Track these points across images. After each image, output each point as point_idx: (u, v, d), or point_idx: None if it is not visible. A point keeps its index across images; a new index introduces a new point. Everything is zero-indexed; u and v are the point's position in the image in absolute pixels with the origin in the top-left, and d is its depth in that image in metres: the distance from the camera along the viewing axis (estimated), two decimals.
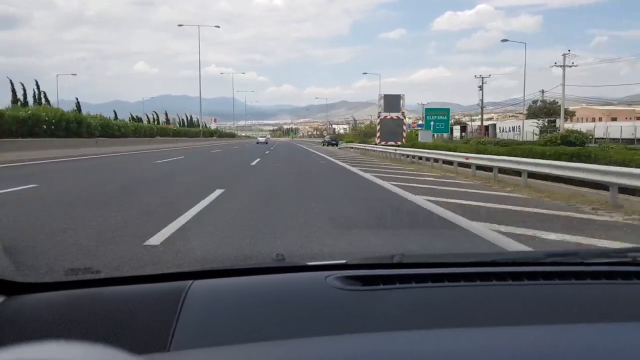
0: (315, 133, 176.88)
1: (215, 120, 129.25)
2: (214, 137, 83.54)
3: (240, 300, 1.05)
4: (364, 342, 0.86)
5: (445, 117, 40.81)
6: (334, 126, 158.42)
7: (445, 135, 44.76)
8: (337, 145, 58.38)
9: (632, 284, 1.18)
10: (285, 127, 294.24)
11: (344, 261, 1.30)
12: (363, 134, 66.92)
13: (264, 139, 79.27)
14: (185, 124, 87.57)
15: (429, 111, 41.92)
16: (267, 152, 32.05)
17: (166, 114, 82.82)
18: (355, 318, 0.99)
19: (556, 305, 1.07)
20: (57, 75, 62.51)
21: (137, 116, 70.73)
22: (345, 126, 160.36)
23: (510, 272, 1.18)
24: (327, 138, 70.51)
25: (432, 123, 39.43)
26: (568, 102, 56.19)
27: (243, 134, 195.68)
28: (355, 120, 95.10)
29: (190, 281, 1.09)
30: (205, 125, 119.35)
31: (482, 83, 57.92)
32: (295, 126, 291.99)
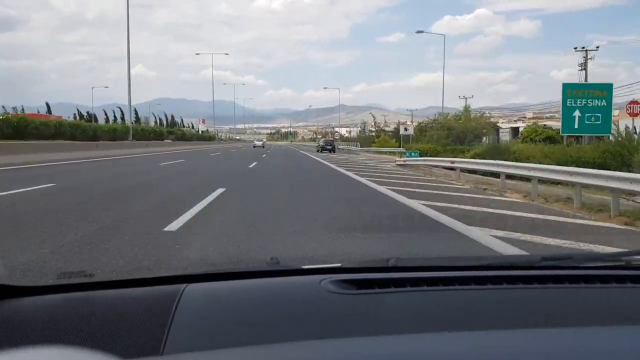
0: (316, 137, 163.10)
1: (203, 122, 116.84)
2: (169, 141, 53.55)
3: (234, 303, 1.05)
4: (359, 345, 0.85)
5: (606, 102, 20.00)
6: (337, 129, 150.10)
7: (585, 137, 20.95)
8: (333, 151, 47.53)
9: (626, 287, 1.18)
10: (283, 130, 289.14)
11: (339, 264, 1.30)
12: (456, 133, 40.71)
13: (261, 142, 78.54)
14: (165, 124, 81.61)
15: (571, 88, 20.41)
16: (216, 197, 8.92)
17: (136, 112, 75.00)
18: (350, 322, 0.99)
19: (550, 309, 1.08)
20: None
21: (88, 112, 64.90)
22: (350, 128, 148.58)
23: (504, 276, 1.18)
24: (321, 142, 55.41)
25: (576, 114, 19.85)
26: None
27: (238, 137, 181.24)
28: (374, 118, 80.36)
29: (184, 284, 1.09)
30: (193, 126, 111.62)
31: (586, 59, 35.99)
32: (294, 130, 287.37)
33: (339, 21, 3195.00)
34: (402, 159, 25.47)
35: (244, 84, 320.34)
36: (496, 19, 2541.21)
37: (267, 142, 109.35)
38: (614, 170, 10.86)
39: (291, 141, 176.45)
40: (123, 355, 0.78)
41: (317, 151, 47.04)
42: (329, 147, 49.06)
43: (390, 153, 37.69)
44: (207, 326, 0.96)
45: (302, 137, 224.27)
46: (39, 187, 9.98)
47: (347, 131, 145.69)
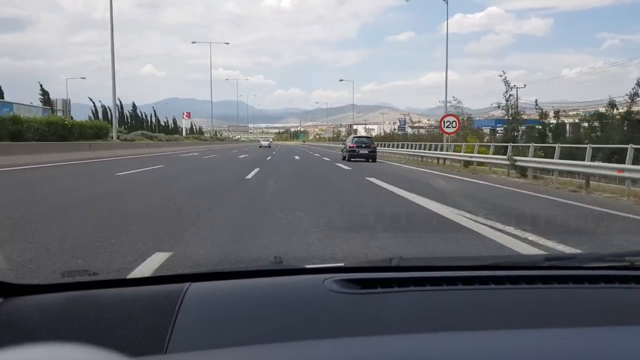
0: (333, 136, 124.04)
1: (188, 115, 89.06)
2: None
3: (237, 302, 1.05)
4: (361, 345, 0.85)
5: None
6: (354, 127, 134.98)
7: None
8: (374, 158, 26.09)
9: (630, 288, 1.18)
10: (292, 129, 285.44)
11: (342, 264, 1.31)
12: None
13: (267, 142, 75.34)
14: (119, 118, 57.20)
15: None
16: None
17: (43, 92, 47.39)
18: (353, 321, 0.99)
19: (554, 309, 1.08)
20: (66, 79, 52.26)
21: None
22: (372, 126, 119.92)
23: (508, 276, 1.19)
24: (350, 141, 28.79)
25: None
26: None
27: (237, 137, 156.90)
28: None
29: (188, 283, 1.10)
30: (175, 122, 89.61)
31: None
32: (304, 129, 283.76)
33: (348, 21, 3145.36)
34: None
35: (247, 79, 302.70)
36: (507, 17, 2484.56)
37: (274, 143, 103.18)
38: None
39: (303, 141, 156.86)
40: (126, 354, 0.78)
41: (343, 158, 27.09)
42: (364, 152, 26.19)
43: None
44: (211, 325, 0.96)
45: (315, 136, 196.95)
46: None
47: (370, 129, 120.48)
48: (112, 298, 1.07)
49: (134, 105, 70.82)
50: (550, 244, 4.94)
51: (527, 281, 1.16)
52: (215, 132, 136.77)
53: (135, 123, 66.12)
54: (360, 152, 26.30)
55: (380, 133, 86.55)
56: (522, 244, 4.97)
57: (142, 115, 70.96)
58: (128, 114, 67.38)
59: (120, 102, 60.88)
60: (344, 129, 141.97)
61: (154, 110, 74.50)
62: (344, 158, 27.30)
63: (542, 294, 1.13)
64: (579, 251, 4.53)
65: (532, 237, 5.27)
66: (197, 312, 1.00)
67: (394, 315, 1.02)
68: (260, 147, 63.20)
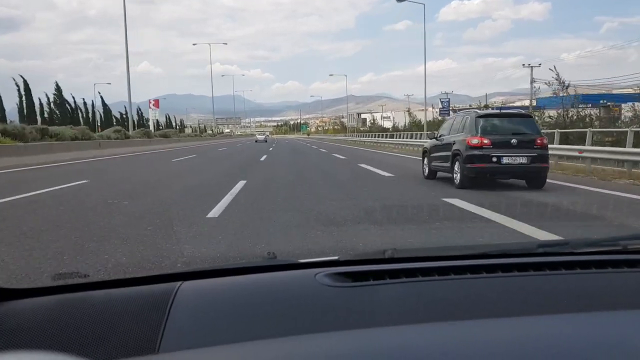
0: (358, 126, 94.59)
1: (156, 104, 68.08)
2: None
3: (230, 299, 1.05)
4: (354, 338, 0.85)
5: None
6: (363, 116, 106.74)
7: None
8: (543, 175, 9.65)
9: (622, 272, 1.17)
10: (291, 122, 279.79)
11: (335, 257, 1.31)
12: None
13: (263, 136, 72.92)
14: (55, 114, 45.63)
15: None
16: None
17: None
18: (345, 314, 0.99)
19: (546, 296, 1.08)
20: None
21: None
22: (387, 113, 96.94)
23: (500, 264, 1.19)
24: (466, 129, 9.96)
25: None
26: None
27: (227, 130, 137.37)
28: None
29: (179, 282, 1.10)
30: (141, 114, 74.42)
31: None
32: (304, 121, 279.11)
33: (345, 10, 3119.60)
34: None
35: (243, 75, 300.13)
36: (504, 3, 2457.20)
37: (272, 137, 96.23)
38: None
39: (308, 133, 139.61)
40: (119, 354, 0.79)
41: (428, 175, 11.63)
42: (516, 162, 9.52)
43: None
44: (203, 323, 0.96)
45: (317, 128, 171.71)
46: None
47: (383, 117, 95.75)
48: (104, 299, 1.06)
49: (57, 88, 47.42)
50: None
51: (519, 269, 1.16)
52: (205, 128, 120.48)
53: (61, 115, 47.42)
54: (506, 162, 9.79)
55: (400, 123, 62.79)
56: None
57: (75, 106, 51.59)
58: (45, 102, 46.81)
59: (25, 83, 45.20)
60: (345, 119, 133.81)
61: (102, 99, 58.10)
62: (429, 175, 11.90)
63: (534, 281, 1.13)
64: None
65: None
66: (189, 311, 1.00)
67: (385, 307, 1.02)
68: (256, 141, 60.92)
